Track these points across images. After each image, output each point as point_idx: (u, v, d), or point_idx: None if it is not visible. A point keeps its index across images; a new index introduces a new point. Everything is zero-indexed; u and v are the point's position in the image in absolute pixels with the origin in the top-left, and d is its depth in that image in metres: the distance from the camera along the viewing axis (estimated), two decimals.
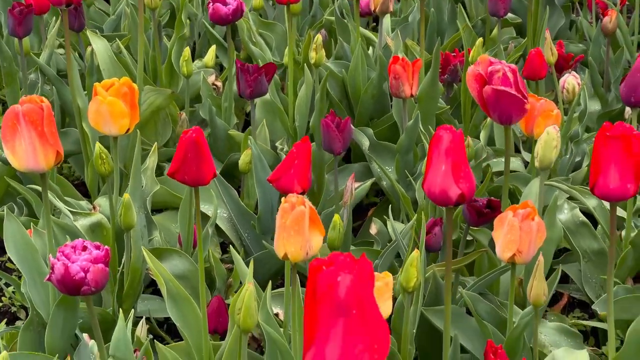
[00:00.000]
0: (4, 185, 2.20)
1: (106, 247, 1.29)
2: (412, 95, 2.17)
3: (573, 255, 2.04)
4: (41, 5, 2.43)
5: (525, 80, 2.51)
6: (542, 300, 1.51)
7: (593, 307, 1.85)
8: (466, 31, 2.77)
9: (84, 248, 1.29)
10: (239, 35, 2.78)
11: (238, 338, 1.42)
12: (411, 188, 2.12)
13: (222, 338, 1.76)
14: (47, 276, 1.29)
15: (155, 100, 2.31)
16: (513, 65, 1.70)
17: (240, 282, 1.79)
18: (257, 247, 2.03)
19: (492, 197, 1.82)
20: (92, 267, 1.26)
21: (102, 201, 2.01)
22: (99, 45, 2.29)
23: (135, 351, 1.55)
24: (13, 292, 2.05)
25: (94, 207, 1.98)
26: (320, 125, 1.92)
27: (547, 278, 1.76)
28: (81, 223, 1.80)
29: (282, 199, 1.38)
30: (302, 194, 1.58)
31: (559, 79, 2.43)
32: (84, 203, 2.02)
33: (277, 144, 2.32)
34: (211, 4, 2.29)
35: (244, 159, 2.07)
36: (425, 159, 1.44)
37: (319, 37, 2.27)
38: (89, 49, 2.35)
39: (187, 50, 2.31)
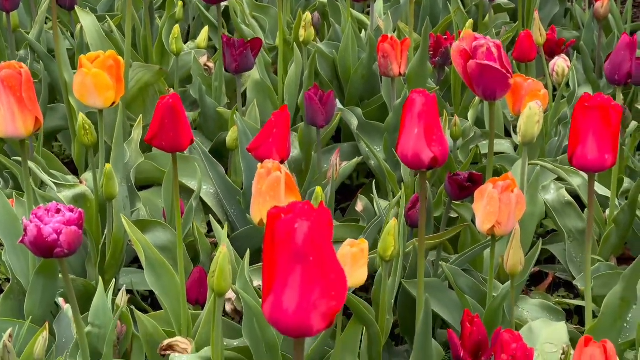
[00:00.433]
0: None
1: (80, 209, 1.29)
2: (400, 74, 2.17)
3: (559, 235, 2.04)
4: None
5: (515, 63, 2.52)
6: (519, 269, 1.51)
7: (574, 282, 1.85)
8: (458, 14, 2.76)
9: (58, 210, 1.28)
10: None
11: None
12: (399, 167, 2.12)
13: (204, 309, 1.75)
14: (20, 238, 1.29)
15: (143, 77, 2.31)
16: (497, 41, 1.70)
17: None
18: (243, 222, 2.02)
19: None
20: (64, 229, 1.26)
21: (88, 176, 2.01)
22: (87, 22, 2.29)
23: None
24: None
25: (81, 181, 1.99)
26: (304, 99, 1.92)
27: (528, 255, 1.77)
28: (65, 194, 1.80)
29: (258, 164, 1.38)
30: (282, 162, 1.58)
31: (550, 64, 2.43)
32: (70, 177, 2.02)
33: None
34: None
35: (231, 135, 2.07)
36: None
37: (308, 15, 2.26)
38: (78, 26, 2.35)
39: (176, 28, 2.31)
